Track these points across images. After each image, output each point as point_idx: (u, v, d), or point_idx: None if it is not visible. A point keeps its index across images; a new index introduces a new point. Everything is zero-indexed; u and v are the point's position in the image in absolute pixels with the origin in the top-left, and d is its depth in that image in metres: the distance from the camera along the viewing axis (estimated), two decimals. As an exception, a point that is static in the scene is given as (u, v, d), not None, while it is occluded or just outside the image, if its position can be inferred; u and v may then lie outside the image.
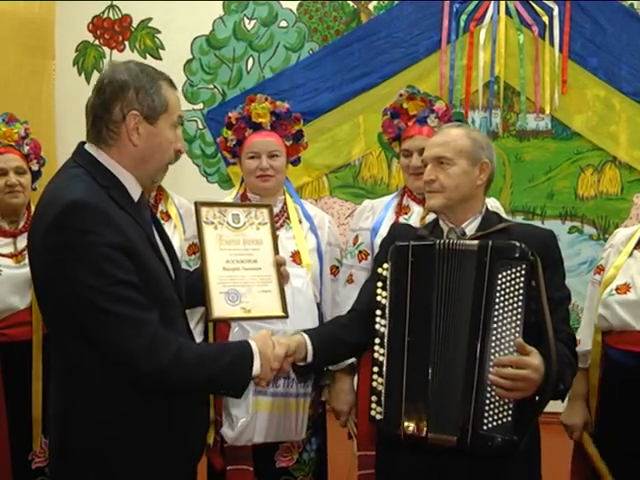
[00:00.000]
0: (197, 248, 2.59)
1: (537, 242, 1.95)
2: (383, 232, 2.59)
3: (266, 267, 2.18)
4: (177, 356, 1.64)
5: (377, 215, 2.67)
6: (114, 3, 4.52)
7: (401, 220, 2.61)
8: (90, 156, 1.73)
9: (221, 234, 2.15)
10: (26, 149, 2.87)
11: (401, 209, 2.65)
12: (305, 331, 2.05)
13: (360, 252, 2.67)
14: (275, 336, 1.92)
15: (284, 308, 2.18)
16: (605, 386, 2.46)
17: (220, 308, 2.08)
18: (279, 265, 2.22)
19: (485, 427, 1.78)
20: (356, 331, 2.07)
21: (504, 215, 2.60)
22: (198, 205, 2.17)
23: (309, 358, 1.99)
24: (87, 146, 1.75)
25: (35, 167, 2.91)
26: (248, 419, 2.36)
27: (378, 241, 2.57)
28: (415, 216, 2.61)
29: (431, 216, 2.56)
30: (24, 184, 2.81)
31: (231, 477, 2.51)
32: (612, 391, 2.42)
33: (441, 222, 2.10)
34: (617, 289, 2.41)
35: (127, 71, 1.72)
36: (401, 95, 2.69)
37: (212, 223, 2.15)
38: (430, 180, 2.04)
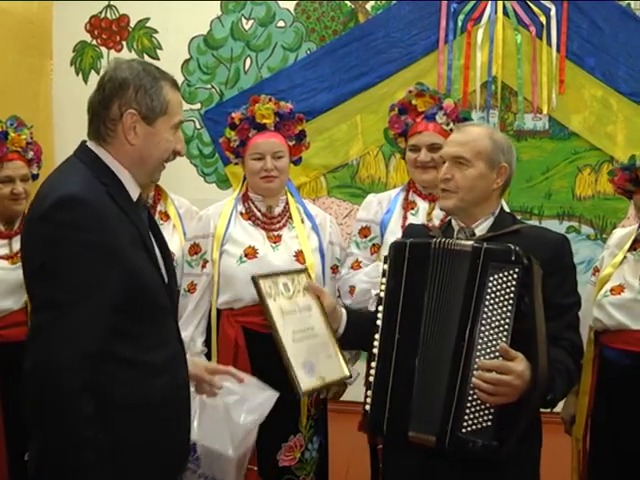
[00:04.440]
0: (199, 248, 2.61)
1: (547, 246, 1.92)
2: (392, 226, 2.61)
3: (322, 332, 2.19)
4: (86, 389, 1.55)
5: (384, 209, 2.70)
6: (112, 3, 4.52)
7: (409, 215, 2.63)
8: (92, 153, 1.72)
9: (281, 305, 2.14)
10: (30, 154, 2.88)
11: (408, 204, 2.67)
12: (345, 307, 2.25)
13: (373, 245, 2.69)
14: None
15: (348, 368, 2.24)
16: (601, 385, 2.46)
17: (305, 382, 2.11)
18: (331, 327, 2.23)
19: (464, 430, 1.77)
20: None
21: (506, 209, 2.61)
22: (257, 278, 2.13)
23: (341, 330, 2.18)
24: (89, 143, 1.74)
25: (35, 171, 2.92)
26: None
27: (388, 236, 2.59)
28: (422, 212, 2.63)
29: (438, 210, 2.58)
30: (28, 191, 2.82)
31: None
32: (608, 390, 2.43)
33: (454, 222, 2.09)
34: (611, 290, 2.42)
35: (129, 69, 1.70)
36: (410, 91, 2.70)
37: (271, 295, 2.13)
38: (446, 179, 2.01)
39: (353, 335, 2.18)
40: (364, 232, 2.72)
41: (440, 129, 2.58)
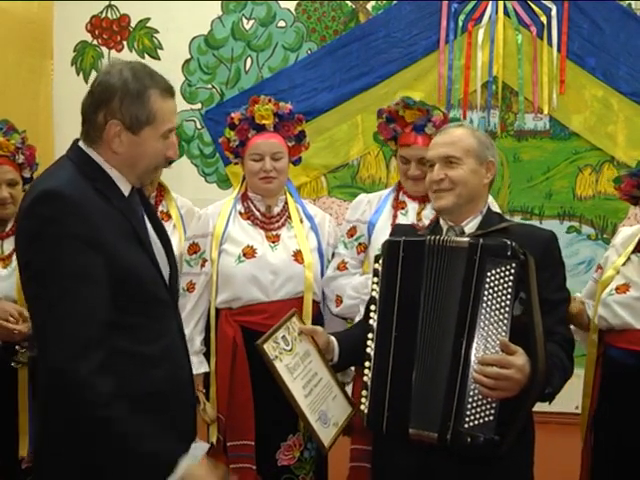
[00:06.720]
0: (198, 248, 2.62)
1: (536, 243, 1.94)
2: (381, 225, 2.61)
3: (324, 374, 2.19)
4: (99, 372, 1.55)
5: (373, 209, 2.69)
6: (112, 3, 4.51)
7: (399, 215, 2.63)
8: (82, 151, 1.74)
9: (287, 364, 2.11)
10: (21, 158, 2.84)
11: (398, 204, 2.67)
12: (335, 334, 2.21)
13: (360, 244, 2.68)
14: None
15: (351, 403, 2.25)
16: (604, 384, 2.46)
17: (324, 437, 2.12)
18: (328, 363, 2.23)
19: (466, 425, 1.78)
20: None
21: (497, 210, 2.62)
22: (261, 346, 2.07)
23: (335, 359, 2.17)
24: (80, 143, 1.76)
25: (27, 175, 2.88)
26: None
27: (377, 235, 2.59)
28: (411, 212, 2.63)
29: (428, 211, 2.58)
30: (15, 196, 2.78)
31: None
32: (611, 389, 2.43)
33: (441, 221, 2.10)
34: (617, 289, 2.42)
35: (118, 75, 1.70)
36: (397, 104, 2.68)
37: (277, 357, 2.10)
38: (439, 180, 2.03)
39: (346, 358, 2.21)
40: (351, 232, 2.72)
41: (429, 142, 2.56)
